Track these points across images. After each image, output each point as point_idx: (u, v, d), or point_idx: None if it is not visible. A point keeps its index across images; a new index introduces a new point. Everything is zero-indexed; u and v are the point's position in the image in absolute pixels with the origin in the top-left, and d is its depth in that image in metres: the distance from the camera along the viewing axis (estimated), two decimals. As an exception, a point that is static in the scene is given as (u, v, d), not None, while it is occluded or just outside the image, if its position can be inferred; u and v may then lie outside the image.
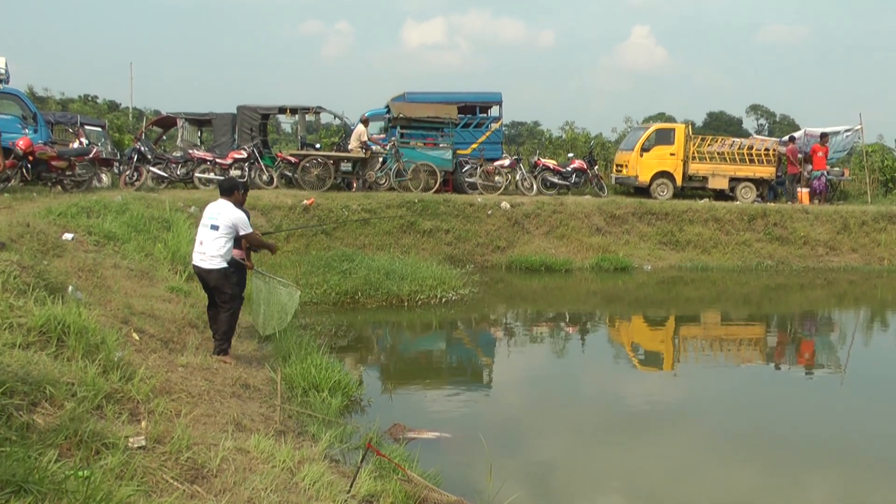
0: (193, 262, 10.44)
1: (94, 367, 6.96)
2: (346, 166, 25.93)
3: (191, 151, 25.69)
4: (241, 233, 10.31)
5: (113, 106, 65.03)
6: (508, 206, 25.03)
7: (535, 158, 28.83)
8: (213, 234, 10.18)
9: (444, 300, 18.09)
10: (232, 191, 10.56)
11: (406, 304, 17.71)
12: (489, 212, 24.62)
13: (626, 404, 12.46)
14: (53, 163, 20.72)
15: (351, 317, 16.74)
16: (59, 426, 5.66)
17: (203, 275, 10.32)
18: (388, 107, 28.55)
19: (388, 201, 23.65)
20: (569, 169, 27.95)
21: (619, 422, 11.30)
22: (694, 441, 10.61)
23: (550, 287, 22.11)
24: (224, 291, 10.25)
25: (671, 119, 60.32)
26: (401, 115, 27.00)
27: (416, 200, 23.96)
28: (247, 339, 12.02)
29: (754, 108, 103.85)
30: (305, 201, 22.30)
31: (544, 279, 22.60)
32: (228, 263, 10.33)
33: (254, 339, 12.27)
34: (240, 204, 10.61)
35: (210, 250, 10.17)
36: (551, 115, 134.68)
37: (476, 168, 26.84)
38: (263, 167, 25.13)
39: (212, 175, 24.70)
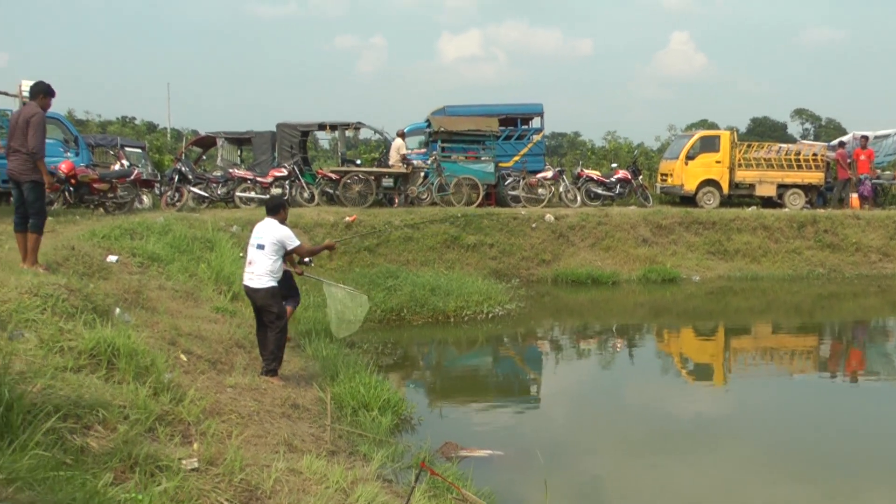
0: (243, 282, 10.50)
1: (144, 389, 6.99)
2: (387, 182, 25.92)
3: (231, 170, 25.81)
4: (289, 247, 10.35)
5: (151, 127, 65.75)
6: (553, 218, 24.95)
7: (579, 169, 28.74)
8: (260, 253, 10.23)
9: (490, 315, 18.01)
10: (278, 209, 10.63)
11: (452, 319, 17.68)
12: (533, 225, 24.54)
13: (677, 418, 12.34)
14: (95, 185, 20.94)
15: (397, 334, 16.74)
16: (113, 449, 5.69)
17: (251, 294, 10.37)
18: (428, 121, 28.67)
19: (430, 216, 23.62)
20: (613, 179, 27.87)
21: (671, 436, 11.19)
22: (749, 456, 10.42)
23: (597, 300, 21.98)
24: (271, 310, 10.27)
25: (714, 126, 60.10)
26: (442, 129, 27.01)
27: (460, 215, 23.89)
28: (293, 357, 12.03)
29: (799, 113, 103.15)
30: (347, 218, 22.33)
31: (591, 292, 22.48)
32: (277, 282, 10.38)
33: (300, 357, 12.31)
34: (283, 221, 10.66)
35: (258, 269, 10.22)
36: (591, 125, 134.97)
37: (519, 181, 26.76)
38: (304, 184, 25.20)
39: (252, 194, 24.83)
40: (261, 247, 10.25)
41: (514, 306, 18.84)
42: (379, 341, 15.77)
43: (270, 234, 10.28)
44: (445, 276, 19.69)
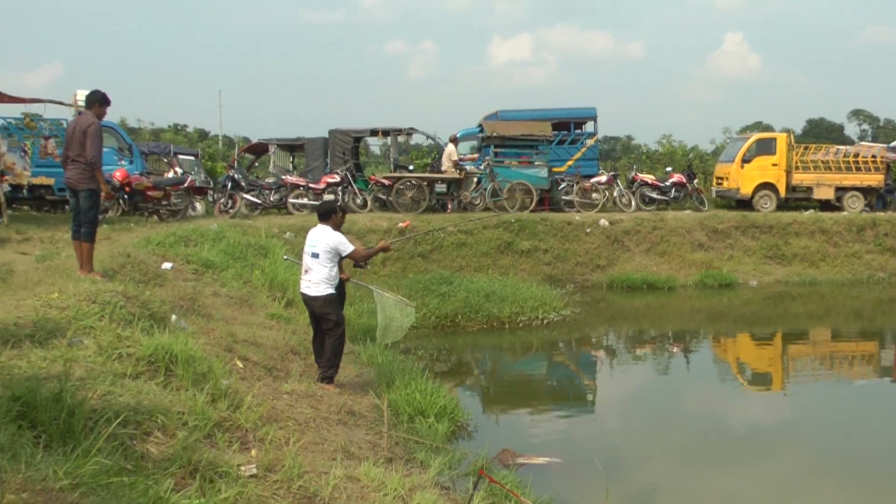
0: (301, 290, 10.53)
1: (202, 395, 7.01)
2: (440, 187, 25.95)
3: (283, 177, 26.01)
4: (343, 253, 10.35)
5: (203, 134, 66.25)
6: (607, 223, 24.83)
7: (633, 173, 28.59)
8: (316, 262, 10.25)
9: (545, 321, 17.93)
10: (329, 215, 10.61)
11: (507, 326, 17.61)
12: (588, 230, 24.43)
13: (735, 425, 12.24)
14: (149, 193, 21.19)
15: (452, 340, 16.75)
16: (172, 455, 5.71)
17: (309, 302, 10.39)
18: (480, 125, 28.62)
19: (483, 221, 23.51)
20: (668, 183, 27.64)
21: (729, 444, 11.10)
22: (808, 463, 10.32)
23: (653, 305, 21.85)
24: (329, 318, 10.27)
25: (769, 128, 59.34)
26: (495, 134, 26.99)
27: (513, 220, 23.87)
28: (348, 364, 12.03)
29: (856, 114, 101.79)
30: (401, 224, 22.40)
31: (646, 297, 22.36)
32: (336, 289, 10.41)
33: (355, 364, 12.32)
34: (338, 227, 10.67)
35: (315, 277, 10.24)
36: (644, 128, 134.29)
37: (573, 185, 26.65)
38: (357, 190, 25.29)
39: (305, 200, 24.96)
40: (315, 255, 10.27)
41: (569, 312, 18.75)
42: (434, 347, 15.81)
43: (324, 241, 10.28)
44: (500, 281, 19.59)
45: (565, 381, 15.35)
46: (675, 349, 17.62)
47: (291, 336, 12.17)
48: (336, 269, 10.40)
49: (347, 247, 10.37)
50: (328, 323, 10.30)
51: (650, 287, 22.89)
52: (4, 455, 4.79)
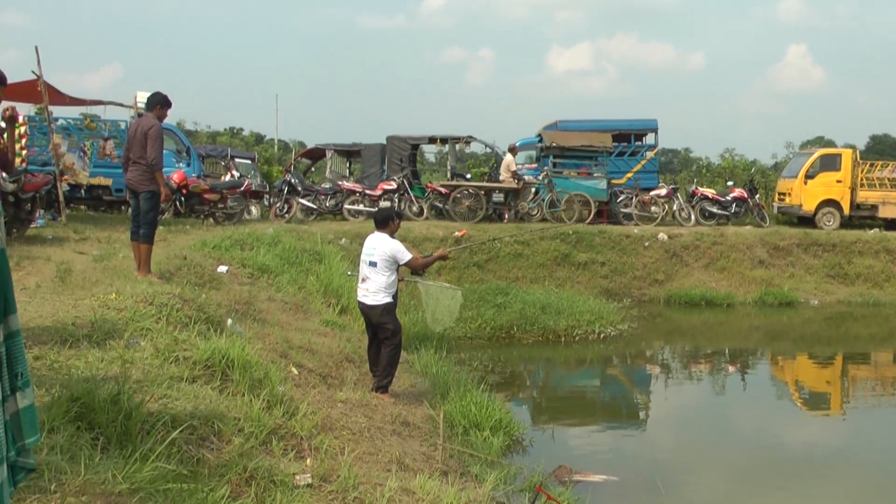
0: (358, 299, 10.52)
1: (258, 402, 7.00)
2: (497, 197, 25.84)
3: (340, 183, 26.09)
4: (402, 262, 10.31)
5: (259, 138, 66.73)
6: (666, 237, 24.64)
7: (693, 187, 28.32)
8: (373, 270, 10.23)
9: (602, 336, 17.79)
10: (387, 222, 10.58)
11: (563, 339, 17.51)
12: (646, 243, 24.26)
13: (791, 447, 12.04)
14: (206, 196, 21.34)
15: (506, 352, 16.65)
16: (228, 462, 5.69)
17: (367, 311, 10.37)
18: (539, 135, 28.53)
19: (540, 232, 23.42)
20: (728, 198, 27.34)
21: (785, 466, 10.89)
22: (866, 488, 10.10)
23: (711, 322, 21.61)
24: (387, 327, 10.25)
25: (831, 143, 58.47)
26: (554, 144, 26.91)
27: (571, 232, 23.76)
28: (402, 373, 11.97)
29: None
30: (457, 233, 22.36)
31: (704, 314, 22.10)
32: (394, 297, 10.39)
33: (409, 374, 12.26)
34: (394, 234, 10.64)
35: (373, 286, 10.22)
36: (703, 140, 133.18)
37: (632, 198, 26.51)
38: (413, 198, 25.35)
39: (361, 206, 25.05)
40: (373, 264, 10.23)
41: (625, 327, 18.60)
42: (488, 359, 15.69)
43: (381, 249, 10.24)
44: (556, 294, 19.49)
45: (621, 397, 15.24)
46: (733, 368, 17.39)
47: (346, 344, 12.16)
48: (394, 277, 10.37)
49: (405, 255, 10.33)
50: (385, 332, 10.28)
51: (708, 303, 22.59)
52: (63, 456, 4.80)
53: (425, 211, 25.26)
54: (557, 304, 18.49)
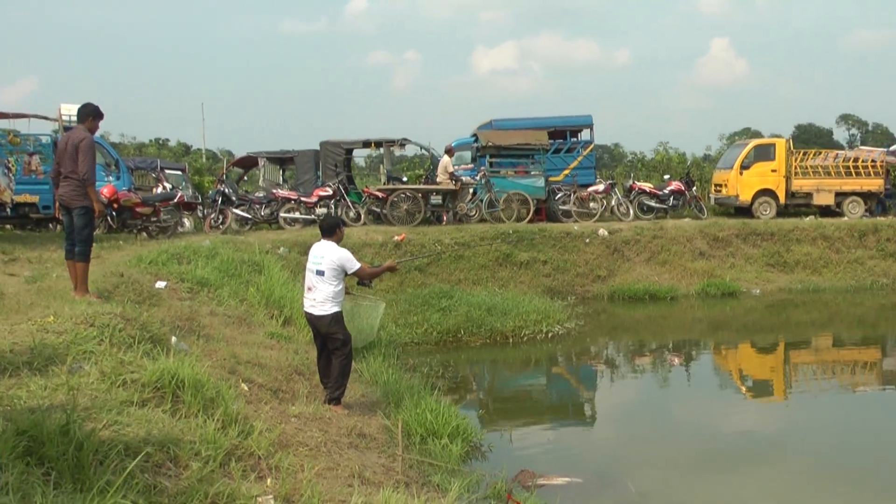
0: (305, 309, 10.26)
1: (212, 422, 6.75)
2: (435, 199, 25.77)
3: (274, 191, 25.78)
4: (350, 271, 10.09)
5: (186, 149, 65.77)
6: (606, 233, 24.70)
7: (630, 182, 28.53)
8: (321, 280, 9.99)
9: (549, 335, 17.75)
10: (333, 230, 10.35)
11: (511, 340, 17.43)
12: (587, 240, 24.32)
13: (731, 434, 12.14)
14: (138, 209, 20.89)
15: (455, 356, 16.55)
16: (188, 489, 5.42)
17: (314, 321, 10.12)
18: (475, 135, 28.46)
19: (481, 233, 23.47)
20: (666, 191, 27.62)
21: (728, 453, 11.11)
22: (814, 473, 10.27)
23: (655, 316, 21.72)
24: (336, 337, 10.04)
25: (758, 134, 59.32)
26: (490, 144, 26.84)
27: (511, 231, 23.73)
28: (352, 383, 11.73)
29: (844, 118, 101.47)
30: (396, 237, 22.24)
31: (648, 308, 22.22)
32: (341, 306, 10.17)
33: (360, 383, 12.04)
34: (339, 241, 10.42)
35: (320, 296, 9.99)
36: (633, 136, 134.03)
37: (570, 195, 26.58)
38: (350, 203, 25.12)
39: (297, 214, 24.82)
40: (320, 273, 9.99)
41: (572, 325, 18.60)
42: (438, 364, 15.56)
43: (329, 258, 10.01)
44: (500, 294, 19.46)
45: (570, 396, 15.18)
46: (677, 360, 17.53)
47: (294, 356, 11.91)
48: (342, 286, 10.16)
49: (354, 264, 10.11)
50: (335, 342, 10.06)
51: (652, 297, 22.77)
52: (14, 496, 4.50)
53: (363, 216, 25.00)
54: (503, 305, 18.45)
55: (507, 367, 16.79)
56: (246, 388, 9.24)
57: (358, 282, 11.15)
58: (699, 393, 14.85)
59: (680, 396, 14.75)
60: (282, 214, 24.89)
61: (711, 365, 17.64)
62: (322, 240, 10.31)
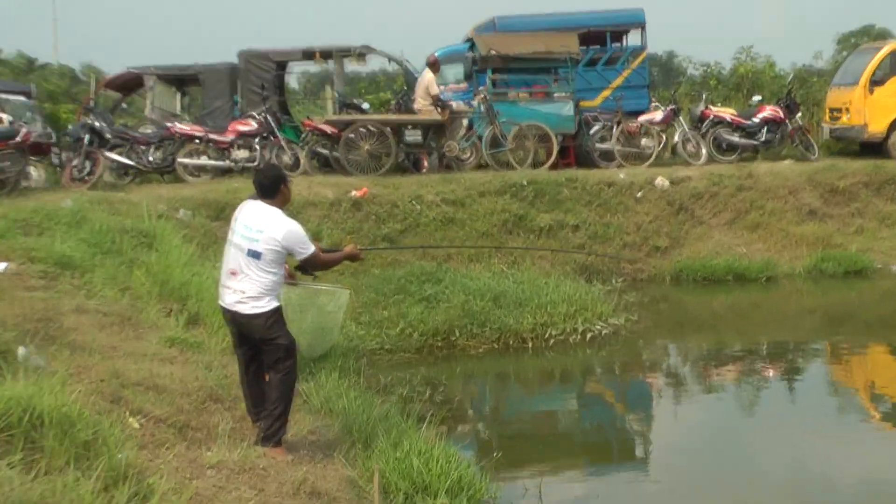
0: (224, 304, 9.94)
1: (89, 482, 6.49)
2: (412, 136, 25.37)
3: (170, 125, 25.45)
4: (299, 256, 9.84)
5: (30, 63, 65.22)
6: (667, 183, 24.73)
7: (702, 107, 28.18)
8: (254, 263, 9.62)
9: (587, 336, 17.61)
10: (277, 186, 9.92)
11: (530, 344, 17.26)
12: (638, 194, 24.38)
13: (862, 487, 11.80)
14: (-41, 155, 20.68)
15: (447, 369, 16.45)
16: None
17: (241, 322, 9.82)
18: (471, 41, 28.28)
19: (480, 186, 23.48)
20: (756, 120, 27.42)
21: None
22: None
23: (741, 306, 21.85)
24: (277, 343, 9.75)
25: (884, 33, 58.33)
26: (493, 53, 26.68)
27: (525, 182, 23.69)
28: (298, 413, 11.56)
29: None
30: (355, 192, 22.17)
31: (732, 294, 22.33)
32: (280, 300, 9.93)
33: (306, 412, 11.88)
34: (284, 205, 10.08)
35: (251, 286, 9.62)
36: (697, 40, 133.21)
37: (612, 128, 26.46)
38: (284, 143, 24.93)
39: (205, 160, 24.55)
40: (255, 254, 9.59)
41: (620, 321, 18.47)
42: (422, 381, 15.40)
43: (271, 233, 9.59)
44: (512, 276, 19.42)
45: (624, 430, 14.95)
46: (774, 373, 17.17)
47: (206, 373, 11.74)
48: (281, 274, 9.94)
49: (307, 247, 9.80)
50: (275, 351, 9.77)
51: (738, 278, 22.73)
52: None
53: (303, 162, 24.86)
54: (516, 292, 18.29)
55: (525, 385, 16.77)
56: (137, 424, 9.05)
57: (297, 267, 10.86)
58: (808, 422, 14.49)
59: (777, 427, 14.22)
60: (181, 160, 24.61)
61: (826, 380, 17.38)
62: (258, 201, 9.94)
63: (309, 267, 10.39)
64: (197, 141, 24.74)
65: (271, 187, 9.89)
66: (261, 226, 9.62)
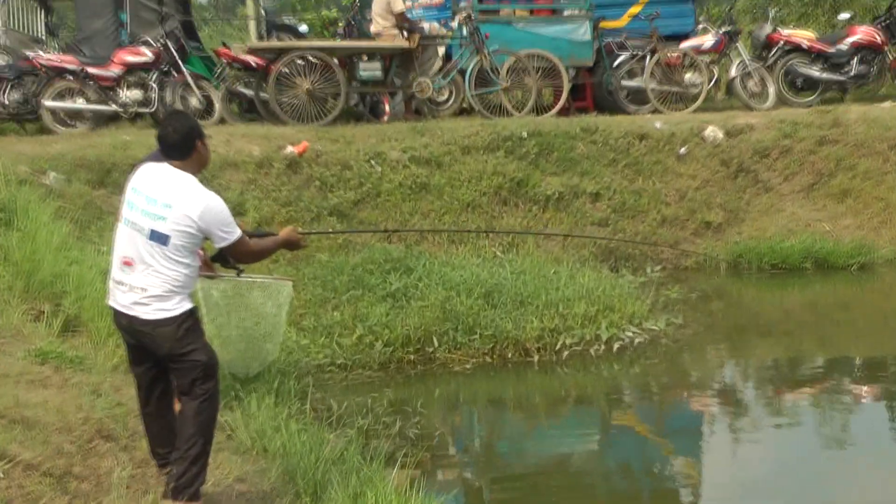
0: (116, 306, 9.78)
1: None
2: (367, 69, 25.40)
3: (30, 55, 25.43)
4: (220, 243, 9.66)
5: None
6: (720, 135, 24.85)
7: (768, 29, 28.22)
8: (159, 250, 9.43)
9: (616, 346, 17.69)
10: (190, 145, 9.65)
11: (537, 357, 17.33)
12: (681, 150, 24.48)
13: None
14: None
15: (423, 392, 16.45)
16: None
17: (140, 330, 9.66)
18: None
19: (463, 139, 23.51)
20: (843, 47, 27.41)
21: None
22: None
23: (824, 304, 22.12)
24: (193, 360, 9.61)
25: None
26: (479, -45, 26.70)
27: (525, 134, 23.74)
28: (219, 452, 11.54)
29: None
30: (291, 148, 22.15)
31: (811, 287, 22.52)
32: (193, 299, 9.83)
33: (232, 451, 11.88)
34: (200, 170, 9.96)
35: (154, 283, 9.41)
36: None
37: (644, 58, 26.55)
38: (191, 80, 24.94)
39: (81, 102, 24.48)
40: (159, 237, 9.38)
41: (661, 325, 18.53)
42: (388, 409, 15.36)
43: (183, 210, 9.35)
44: (509, 264, 19.41)
45: (661, 473, 14.79)
46: (869, 393, 17.23)
47: (92, 399, 11.67)
48: (197, 265, 9.78)
49: (231, 231, 9.59)
50: (188, 371, 9.62)
51: (819, 265, 22.82)
52: None
53: (218, 107, 24.94)
54: (516, 285, 18.36)
55: (529, 413, 16.66)
56: (-1, 472, 8.99)
57: (214, 256, 10.80)
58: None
59: (874, 470, 14.09)
60: (47, 103, 24.58)
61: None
62: (163, 164, 9.83)
63: (233, 257, 10.26)
64: (69, 77, 24.69)
65: (182, 145, 9.60)
66: (168, 198, 9.32)
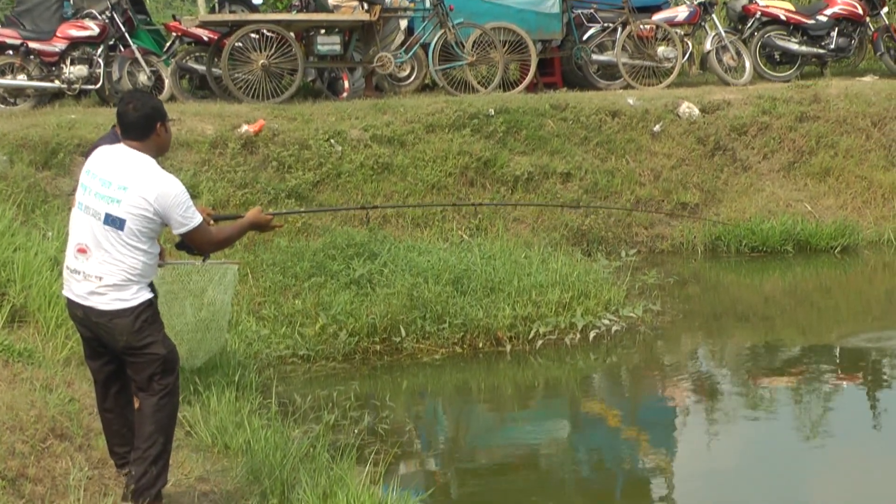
0: (70, 296, 9.63)
1: None
2: (325, 44, 25.32)
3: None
4: (182, 229, 9.46)
5: None
6: (696, 111, 24.87)
7: (743, 0, 28.19)
8: (115, 236, 9.28)
9: (592, 334, 17.62)
10: (150, 126, 9.52)
11: (509, 346, 17.33)
12: (655, 127, 24.45)
13: None
14: None
15: (391, 384, 16.45)
16: None
17: (96, 322, 9.51)
18: None
19: (427, 117, 23.42)
20: (822, 18, 27.41)
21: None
22: None
23: (805, 289, 22.10)
24: (151, 353, 9.48)
25: None
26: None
27: (492, 112, 23.69)
28: (180, 450, 11.46)
29: None
30: (246, 127, 21.99)
31: (794, 271, 22.50)
32: (154, 290, 9.68)
33: (195, 450, 11.79)
34: (161, 153, 9.78)
35: (110, 271, 9.27)
36: None
37: (615, 30, 26.51)
38: (139, 55, 24.75)
39: (22, 78, 24.38)
40: (115, 222, 9.25)
41: (638, 312, 18.41)
42: (354, 402, 15.10)
43: (139, 192, 9.22)
44: (478, 248, 19.38)
45: (635, 467, 14.69)
46: (852, 384, 17.28)
47: (45, 395, 11.53)
48: (156, 252, 9.61)
49: (191, 216, 9.43)
50: (147, 366, 9.48)
51: (800, 248, 22.86)
52: None
53: (168, 83, 24.79)
54: (486, 271, 18.35)
55: (501, 405, 16.66)
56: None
57: (179, 244, 10.62)
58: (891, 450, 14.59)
59: (852, 462, 14.19)
60: (-13, 80, 24.41)
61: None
62: (119, 145, 9.66)
63: (194, 245, 10.04)
64: (9, 52, 24.58)
65: (143, 125, 9.45)
66: (124, 180, 9.20)
